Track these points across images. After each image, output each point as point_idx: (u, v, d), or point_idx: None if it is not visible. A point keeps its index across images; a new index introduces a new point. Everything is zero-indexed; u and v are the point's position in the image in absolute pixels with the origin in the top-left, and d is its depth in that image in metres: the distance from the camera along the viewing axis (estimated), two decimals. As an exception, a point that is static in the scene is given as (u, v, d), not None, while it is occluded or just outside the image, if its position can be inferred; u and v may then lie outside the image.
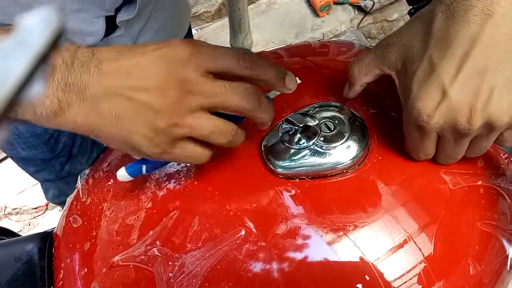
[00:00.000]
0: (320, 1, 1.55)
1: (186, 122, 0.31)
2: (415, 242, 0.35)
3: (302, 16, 1.62)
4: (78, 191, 0.49)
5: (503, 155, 0.40)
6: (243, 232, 0.36)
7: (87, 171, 0.50)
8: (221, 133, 0.33)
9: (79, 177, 0.50)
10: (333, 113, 0.39)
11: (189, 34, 0.78)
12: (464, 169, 0.38)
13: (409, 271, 0.34)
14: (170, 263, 0.37)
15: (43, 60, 0.12)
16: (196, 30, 1.73)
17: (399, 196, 0.37)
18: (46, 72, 0.12)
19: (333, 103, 0.40)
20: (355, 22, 1.66)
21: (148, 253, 0.38)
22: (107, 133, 0.31)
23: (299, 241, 0.35)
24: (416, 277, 0.34)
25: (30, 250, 0.49)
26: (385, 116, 0.41)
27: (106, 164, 0.49)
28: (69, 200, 0.50)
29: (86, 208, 0.46)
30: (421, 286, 0.34)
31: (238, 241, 0.36)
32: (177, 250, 0.37)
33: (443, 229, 0.35)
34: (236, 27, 1.02)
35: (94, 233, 0.43)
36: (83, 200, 0.47)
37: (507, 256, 0.37)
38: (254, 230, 0.36)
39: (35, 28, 0.12)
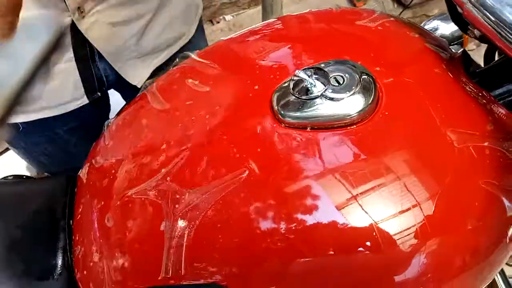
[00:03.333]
0: (358, -7, 1.55)
1: None
2: (415, 198, 0.36)
3: (338, 6, 1.61)
4: (102, 136, 0.52)
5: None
6: (246, 173, 0.38)
7: (112, 120, 0.54)
8: None
9: (105, 125, 0.53)
10: (344, 69, 0.40)
11: (200, 29, 0.79)
12: (472, 130, 0.38)
13: (409, 227, 0.35)
14: (177, 196, 0.39)
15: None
16: (232, 16, 1.76)
17: (402, 151, 0.37)
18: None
19: (346, 61, 0.41)
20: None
21: (159, 188, 0.41)
22: None
23: (299, 184, 0.37)
24: (414, 232, 0.35)
25: (54, 187, 0.53)
26: (398, 79, 0.42)
27: (127, 116, 0.52)
28: (93, 144, 0.54)
29: (108, 151, 0.49)
30: (416, 240, 0.35)
31: (241, 180, 0.38)
32: (184, 185, 0.39)
33: (444, 186, 0.36)
34: (268, 9, 1.04)
35: (112, 171, 0.46)
36: (106, 143, 0.51)
37: (508, 218, 0.37)
38: (257, 171, 0.38)
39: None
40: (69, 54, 0.59)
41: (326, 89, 0.39)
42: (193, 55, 0.51)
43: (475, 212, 0.36)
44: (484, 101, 0.41)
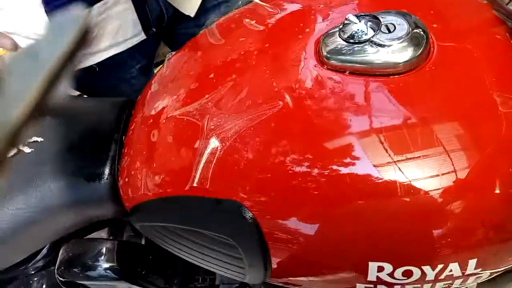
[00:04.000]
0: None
1: None
2: (450, 159, 0.35)
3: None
4: (163, 66, 0.56)
5: None
6: (280, 105, 0.39)
7: (173, 52, 0.58)
8: None
9: (166, 56, 0.58)
10: (398, 19, 0.39)
11: None
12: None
13: (439, 188, 0.35)
14: (214, 119, 0.42)
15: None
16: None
17: (442, 110, 0.37)
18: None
19: (401, 12, 0.40)
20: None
21: (200, 111, 0.44)
22: None
23: (328, 124, 0.37)
24: (441, 192, 0.34)
25: (116, 106, 0.58)
26: (454, 37, 0.40)
27: (186, 48, 0.55)
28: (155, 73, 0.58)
29: (163, 78, 0.53)
30: (442, 200, 0.34)
31: (274, 111, 0.39)
32: (223, 111, 0.42)
33: (480, 151, 0.35)
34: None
35: (164, 95, 0.50)
36: (163, 72, 0.55)
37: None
38: (290, 105, 0.39)
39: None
40: None
41: (374, 35, 0.38)
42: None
43: (509, 179, 0.34)
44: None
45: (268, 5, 0.50)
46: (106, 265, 0.60)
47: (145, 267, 0.62)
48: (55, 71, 0.12)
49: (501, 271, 0.40)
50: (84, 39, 0.13)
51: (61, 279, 0.61)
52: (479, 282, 0.40)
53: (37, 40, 0.12)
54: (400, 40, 0.38)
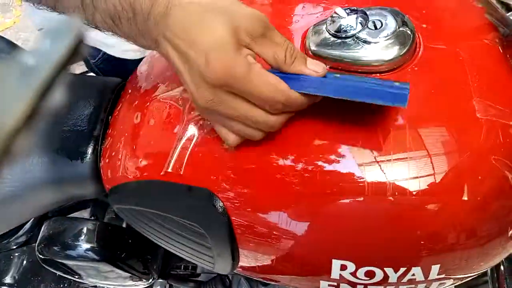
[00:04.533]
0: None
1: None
2: (419, 163, 0.34)
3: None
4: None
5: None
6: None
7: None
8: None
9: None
10: (386, 16, 0.39)
11: None
12: (501, 105, 0.35)
13: (415, 190, 0.34)
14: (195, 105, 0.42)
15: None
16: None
17: (420, 112, 0.36)
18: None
19: (390, 9, 0.39)
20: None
21: (183, 95, 0.43)
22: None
23: (310, 117, 0.37)
24: (417, 194, 0.34)
25: (107, 86, 0.58)
26: (441, 39, 0.39)
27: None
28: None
29: (153, 60, 0.53)
30: (419, 202, 0.34)
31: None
32: (205, 97, 0.42)
33: (454, 154, 0.34)
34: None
35: (151, 77, 0.50)
36: (154, 54, 0.54)
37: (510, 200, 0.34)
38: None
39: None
40: None
41: (360, 31, 0.38)
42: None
43: (479, 186, 0.34)
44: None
45: (262, -5, 0.50)
46: (86, 245, 0.60)
47: (125, 250, 0.63)
48: (48, 80, 0.12)
49: (466, 278, 0.39)
50: (78, 47, 0.13)
51: (41, 256, 0.62)
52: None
53: (31, 48, 0.12)
54: (386, 38, 0.37)
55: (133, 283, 0.69)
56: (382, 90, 0.32)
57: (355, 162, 0.35)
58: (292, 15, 0.44)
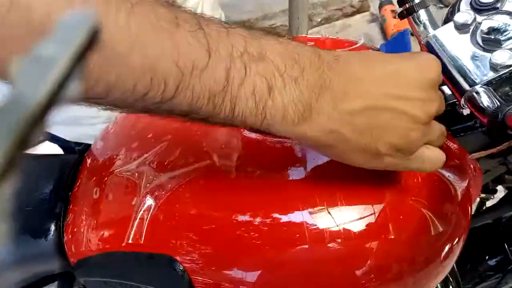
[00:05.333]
0: (392, 29, 1.58)
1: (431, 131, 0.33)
2: (362, 209, 0.40)
3: (372, 41, 1.66)
4: (110, 123, 0.60)
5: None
6: (208, 164, 0.44)
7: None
8: (443, 134, 0.36)
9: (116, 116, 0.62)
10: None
11: None
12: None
13: (358, 231, 0.39)
14: (150, 177, 0.46)
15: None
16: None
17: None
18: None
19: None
20: (426, 55, 1.65)
21: (139, 169, 0.47)
22: (349, 142, 0.30)
23: (250, 180, 0.42)
24: (361, 236, 0.39)
25: (66, 162, 0.61)
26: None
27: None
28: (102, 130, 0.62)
29: (109, 135, 0.57)
30: (363, 243, 0.39)
31: (203, 169, 0.44)
32: (158, 169, 0.46)
33: (379, 200, 0.40)
34: (294, 34, 1.11)
35: (107, 153, 0.53)
36: (110, 129, 0.58)
37: (438, 236, 0.40)
38: (217, 163, 0.43)
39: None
40: None
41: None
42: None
43: (403, 225, 0.40)
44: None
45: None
46: (55, 320, 0.60)
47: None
48: (65, 72, 0.12)
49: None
50: (93, 39, 0.12)
51: (8, 337, 0.61)
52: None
53: (46, 40, 0.12)
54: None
55: None
56: None
57: (307, 212, 0.40)
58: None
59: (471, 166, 0.48)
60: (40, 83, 0.11)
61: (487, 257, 0.81)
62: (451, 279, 0.67)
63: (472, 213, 0.67)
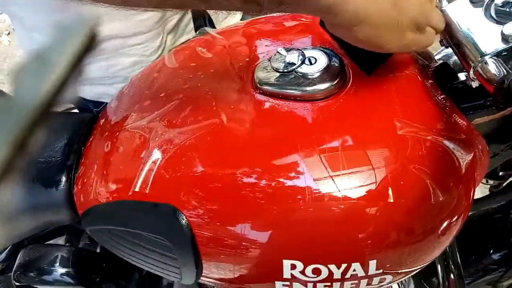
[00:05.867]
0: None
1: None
2: (359, 174, 0.41)
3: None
4: (125, 84, 0.62)
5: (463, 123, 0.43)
6: (216, 122, 0.45)
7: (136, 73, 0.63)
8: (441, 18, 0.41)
9: (130, 78, 0.63)
10: (320, 54, 0.46)
11: None
12: (417, 123, 0.42)
13: (358, 197, 0.40)
14: (160, 132, 0.47)
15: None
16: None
17: (350, 130, 0.43)
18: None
19: (324, 48, 0.47)
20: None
21: (149, 125, 0.49)
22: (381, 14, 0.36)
23: (256, 138, 0.43)
24: (361, 201, 0.40)
25: (81, 120, 0.63)
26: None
27: (146, 70, 0.61)
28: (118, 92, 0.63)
29: (123, 95, 0.59)
30: (363, 208, 0.40)
31: (211, 127, 0.45)
32: (168, 126, 0.47)
33: (380, 166, 0.41)
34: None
35: (120, 111, 0.55)
36: (124, 90, 0.60)
37: (436, 206, 0.41)
38: (225, 122, 0.45)
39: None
40: None
41: (298, 66, 0.45)
42: (211, 31, 0.60)
43: (404, 192, 0.40)
44: (444, 106, 0.45)
45: (220, 36, 0.57)
46: (62, 270, 0.63)
47: (99, 274, 0.66)
48: (63, 75, 0.12)
49: (404, 274, 0.45)
50: (91, 42, 0.13)
51: (17, 283, 0.64)
52: (384, 285, 0.45)
53: (44, 44, 0.12)
54: (319, 72, 0.44)
55: (108, 307, 0.71)
56: None
57: (311, 177, 0.40)
58: (243, 54, 0.51)
59: (479, 146, 0.48)
60: (39, 85, 0.12)
61: (492, 251, 0.81)
62: (453, 274, 0.66)
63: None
